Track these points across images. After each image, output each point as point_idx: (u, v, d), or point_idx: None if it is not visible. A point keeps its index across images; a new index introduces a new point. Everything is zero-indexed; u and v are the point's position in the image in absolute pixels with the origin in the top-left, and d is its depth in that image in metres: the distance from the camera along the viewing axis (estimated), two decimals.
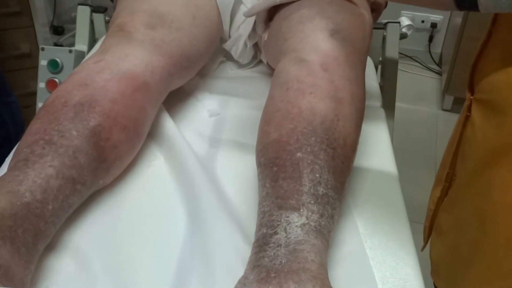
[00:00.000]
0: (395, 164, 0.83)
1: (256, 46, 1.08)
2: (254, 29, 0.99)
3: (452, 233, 0.78)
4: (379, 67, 1.28)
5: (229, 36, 1.03)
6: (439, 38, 2.83)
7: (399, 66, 2.68)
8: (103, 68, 0.75)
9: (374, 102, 1.02)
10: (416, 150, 2.21)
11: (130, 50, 0.79)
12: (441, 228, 0.81)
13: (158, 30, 0.83)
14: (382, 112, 0.98)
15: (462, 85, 0.80)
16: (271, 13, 0.92)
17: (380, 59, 1.27)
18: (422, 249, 0.90)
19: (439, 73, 2.77)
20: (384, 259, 0.66)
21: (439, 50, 2.86)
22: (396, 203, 0.76)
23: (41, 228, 0.62)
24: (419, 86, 2.69)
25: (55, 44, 2.18)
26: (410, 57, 2.84)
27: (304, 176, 0.63)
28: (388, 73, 1.23)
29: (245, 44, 1.03)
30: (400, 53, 2.72)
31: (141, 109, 0.76)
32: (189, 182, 0.76)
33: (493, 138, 0.66)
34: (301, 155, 0.65)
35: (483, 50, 0.72)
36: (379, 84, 1.21)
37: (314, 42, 0.77)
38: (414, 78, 2.75)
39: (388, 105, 1.18)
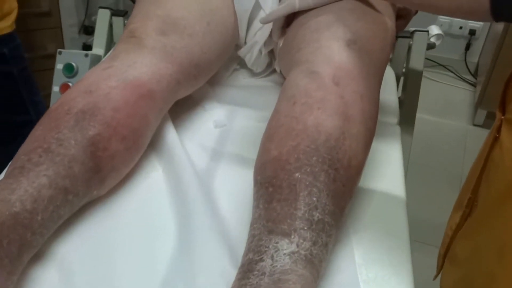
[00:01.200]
0: (404, 188, 0.78)
1: (271, 53, 1.04)
2: (270, 35, 0.95)
3: (468, 263, 0.71)
4: (402, 78, 1.22)
5: (245, 43, 0.99)
6: (477, 46, 2.71)
7: (430, 75, 2.65)
8: (110, 75, 0.73)
9: (390, 118, 0.96)
10: (440, 167, 2.10)
11: (139, 57, 0.77)
12: (456, 256, 0.75)
13: (169, 36, 0.81)
14: (397, 129, 0.93)
15: (498, 99, 0.72)
16: (289, 18, 0.88)
17: (404, 70, 1.20)
18: (434, 278, 0.83)
19: (474, 85, 2.65)
20: None
21: (475, 60, 2.75)
22: (400, 233, 0.70)
23: (27, 239, 0.60)
24: (450, 98, 2.57)
25: (84, 45, 2.19)
26: (444, 66, 2.73)
27: (300, 199, 0.59)
28: (410, 86, 1.16)
29: (260, 52, 0.99)
30: (432, 61, 2.70)
31: (143, 118, 0.74)
32: (183, 198, 0.73)
33: None
34: (299, 176, 0.60)
35: None
36: (400, 97, 1.15)
37: (328, 52, 0.72)
38: (445, 88, 2.64)
39: (407, 121, 1.12)
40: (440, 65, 2.73)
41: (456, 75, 2.72)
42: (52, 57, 2.01)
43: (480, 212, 0.70)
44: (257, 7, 0.93)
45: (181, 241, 0.68)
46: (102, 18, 1.21)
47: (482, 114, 2.34)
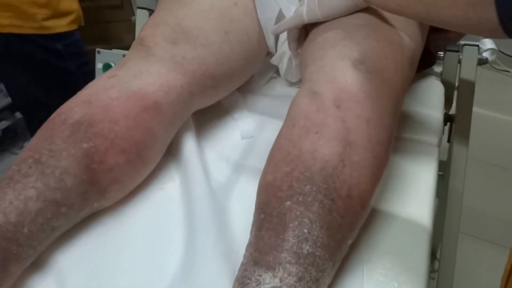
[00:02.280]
0: (432, 215, 0.70)
1: None
2: (290, 50, 0.88)
3: None
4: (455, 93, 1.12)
5: (276, 51, 0.94)
6: None
7: (506, 73, 2.47)
8: (112, 85, 0.70)
9: (430, 137, 0.87)
10: None
11: (146, 67, 0.73)
12: None
13: (180, 46, 0.77)
14: (435, 151, 0.84)
15: None
16: (308, 30, 0.81)
17: (456, 85, 1.11)
18: None
19: None
20: None
21: None
22: (419, 266, 0.63)
23: (13, 252, 0.59)
24: None
25: None
26: None
27: (288, 230, 0.54)
28: (463, 100, 1.07)
29: (291, 62, 0.93)
30: (508, 55, 2.50)
31: (148, 131, 0.70)
32: (193, 213, 0.70)
33: None
34: (290, 205, 0.55)
35: None
36: (450, 114, 1.06)
37: (331, 72, 0.65)
38: None
39: (461, 137, 1.03)
40: None
41: None
42: (128, 49, 2.06)
43: None
44: (281, 15, 0.87)
45: (184, 259, 0.65)
46: (141, 18, 1.19)
47: None
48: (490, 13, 0.50)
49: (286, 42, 0.88)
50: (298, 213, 0.55)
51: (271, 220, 0.56)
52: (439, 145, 0.87)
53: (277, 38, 0.90)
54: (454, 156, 1.06)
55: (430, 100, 1.00)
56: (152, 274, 0.64)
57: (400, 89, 0.70)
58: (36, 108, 1.54)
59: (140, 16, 1.16)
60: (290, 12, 0.85)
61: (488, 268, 1.50)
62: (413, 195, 0.73)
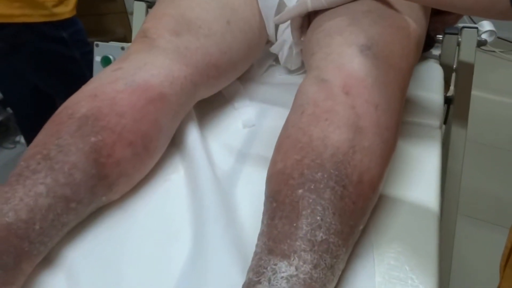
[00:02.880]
0: (439, 198, 0.69)
1: None
2: (292, 38, 0.88)
3: None
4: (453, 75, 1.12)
5: (276, 39, 0.92)
6: None
7: (501, 55, 2.47)
8: (117, 77, 0.69)
9: (432, 120, 0.86)
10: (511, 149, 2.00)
11: (150, 59, 0.72)
12: None
13: (183, 36, 0.75)
14: (438, 133, 0.83)
15: None
16: (311, 18, 0.80)
17: (455, 67, 1.10)
18: None
19: None
20: None
21: None
22: (429, 249, 0.62)
23: (24, 249, 0.58)
24: None
25: None
26: None
27: (302, 217, 0.53)
28: (462, 83, 1.06)
29: (291, 50, 0.92)
30: (504, 39, 2.51)
31: (154, 123, 0.69)
32: (200, 203, 0.68)
33: None
34: (302, 193, 0.54)
35: None
36: (449, 96, 1.05)
37: (339, 59, 0.64)
38: None
39: (459, 118, 1.02)
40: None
41: None
42: (121, 41, 2.04)
43: None
44: (282, 4, 0.86)
45: (193, 250, 0.64)
46: (138, 10, 1.18)
47: None
48: None
49: (287, 31, 0.87)
50: (310, 200, 0.54)
51: (283, 208, 0.55)
52: (441, 127, 0.87)
53: (277, 26, 0.89)
54: (453, 138, 1.05)
55: (430, 83, 0.99)
56: (163, 264, 0.63)
57: (407, 74, 0.69)
58: (26, 104, 1.54)
59: (138, 8, 1.13)
60: (291, 0, 0.84)
61: (486, 248, 1.50)
62: (419, 179, 0.72)
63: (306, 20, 0.80)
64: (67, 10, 1.35)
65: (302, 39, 0.81)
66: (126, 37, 2.04)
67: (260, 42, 0.90)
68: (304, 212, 0.53)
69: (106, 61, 1.11)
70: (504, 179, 1.83)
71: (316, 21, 0.75)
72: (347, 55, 0.64)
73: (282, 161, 0.59)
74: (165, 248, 0.65)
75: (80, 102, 0.66)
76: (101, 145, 0.63)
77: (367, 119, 0.59)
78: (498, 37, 2.48)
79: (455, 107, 1.05)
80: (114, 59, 1.11)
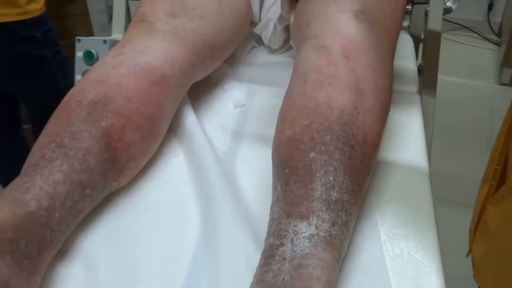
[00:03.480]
0: (427, 158, 0.74)
1: (287, 29, 0.99)
2: (282, 12, 0.90)
3: (501, 230, 0.67)
4: (420, 45, 1.16)
5: (260, 20, 0.95)
6: (500, 7, 2.61)
7: (455, 37, 2.56)
8: (120, 62, 0.70)
9: (410, 87, 0.91)
10: (470, 128, 2.05)
11: (149, 42, 0.74)
12: (488, 226, 0.70)
13: (179, 18, 0.77)
14: (417, 98, 0.88)
15: None
16: None
17: (422, 36, 1.14)
18: (468, 255, 0.79)
19: (498, 44, 2.56)
20: (405, 271, 0.58)
21: (499, 20, 2.65)
22: (425, 205, 0.66)
23: (47, 238, 0.58)
24: (475, 59, 2.51)
25: None
26: (468, 28, 2.64)
27: (316, 179, 0.56)
28: (430, 52, 1.10)
29: (275, 28, 0.95)
30: (455, 23, 2.61)
31: (157, 105, 0.71)
32: (206, 183, 0.70)
33: None
34: (314, 156, 0.57)
35: None
36: (419, 64, 1.09)
37: (336, 26, 0.68)
38: (470, 50, 2.57)
39: (429, 87, 1.07)
40: (464, 27, 2.64)
41: (480, 35, 2.63)
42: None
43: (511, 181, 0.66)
44: None
45: (205, 229, 0.65)
46: (119, 3, 1.18)
47: (508, 73, 2.28)
48: None
49: (272, 9, 0.90)
50: (322, 162, 0.56)
51: (297, 172, 0.57)
52: (419, 93, 0.91)
53: (261, 6, 0.91)
54: (423, 106, 1.10)
55: (402, 53, 1.03)
56: (177, 244, 0.64)
57: (395, 36, 0.73)
58: None
59: (118, 1, 1.14)
60: None
61: (452, 228, 1.55)
62: (407, 141, 0.76)
63: None
64: (38, 7, 1.34)
65: (290, 14, 0.83)
66: None
67: (246, 22, 0.92)
68: (317, 174, 0.56)
69: (88, 56, 1.10)
70: (466, 159, 1.86)
71: None
72: (343, 22, 0.68)
73: (290, 129, 0.61)
74: (176, 228, 0.67)
75: (86, 89, 0.67)
76: (112, 129, 0.65)
77: (366, 81, 0.63)
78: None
79: (424, 76, 1.10)
80: (97, 53, 1.11)
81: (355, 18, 0.68)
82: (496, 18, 2.65)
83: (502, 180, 0.70)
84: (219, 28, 0.82)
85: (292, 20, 0.87)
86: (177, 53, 0.75)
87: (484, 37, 2.62)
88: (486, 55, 2.53)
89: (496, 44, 2.58)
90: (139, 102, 0.68)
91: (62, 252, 0.63)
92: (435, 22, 1.08)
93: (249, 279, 0.55)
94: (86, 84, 0.68)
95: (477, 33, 2.64)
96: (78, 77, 1.12)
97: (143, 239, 0.65)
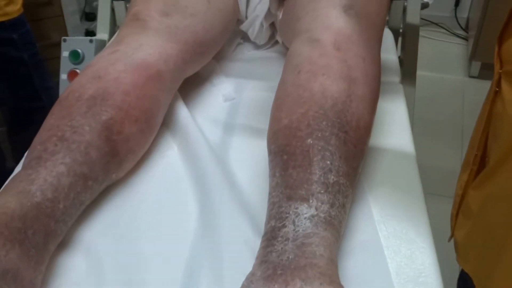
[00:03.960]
0: (413, 143, 0.77)
1: (272, 26, 1.02)
2: (270, 9, 0.93)
3: (481, 213, 0.71)
4: (400, 39, 1.20)
5: (246, 17, 0.97)
6: (466, 2, 2.69)
7: (424, 33, 2.63)
8: (117, 59, 0.72)
9: (392, 77, 0.95)
10: (442, 120, 2.11)
11: (144, 39, 0.75)
12: (470, 209, 0.74)
13: (172, 16, 0.79)
14: (400, 88, 0.91)
15: (490, 50, 0.74)
16: None
17: (401, 30, 1.18)
18: (450, 240, 0.82)
19: (466, 39, 2.63)
20: (399, 248, 0.61)
21: (465, 15, 2.72)
22: (413, 186, 0.70)
23: (51, 228, 0.59)
24: (444, 53, 2.57)
25: (87, 31, 2.16)
26: (436, 24, 2.70)
27: (314, 164, 0.58)
28: (409, 45, 1.15)
29: (262, 25, 0.97)
30: (424, 19, 2.68)
31: (154, 99, 0.72)
32: (202, 173, 0.72)
33: None
34: (311, 142, 0.59)
35: (510, 18, 0.65)
36: (399, 57, 1.13)
37: (327, 20, 0.71)
38: (439, 45, 2.63)
39: (409, 78, 1.10)
40: (433, 23, 2.70)
41: (448, 31, 2.70)
42: (57, 46, 1.99)
43: (491, 165, 0.69)
44: None
45: (203, 216, 0.67)
46: (104, 3, 1.19)
47: (476, 65, 2.34)
48: None
49: (258, 6, 0.92)
50: (319, 147, 0.59)
51: (295, 158, 0.59)
52: (401, 83, 0.94)
53: (247, 4, 0.93)
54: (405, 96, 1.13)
55: (384, 46, 1.05)
56: (177, 233, 0.65)
57: (381, 29, 0.77)
58: None
59: (103, 1, 1.15)
60: None
61: (432, 219, 1.58)
62: (393, 128, 0.79)
63: None
64: (16, 8, 1.34)
65: (278, 11, 0.86)
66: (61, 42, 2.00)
67: (234, 20, 0.95)
68: (315, 159, 0.58)
69: (75, 55, 1.11)
70: (439, 150, 1.90)
71: None
72: (333, 16, 0.71)
73: (286, 117, 0.63)
74: (175, 216, 0.68)
75: (85, 84, 0.68)
76: (112, 122, 0.66)
77: (357, 71, 0.66)
78: None
79: (404, 67, 1.13)
80: (83, 53, 1.12)
81: (344, 12, 0.71)
82: (463, 13, 2.72)
83: (482, 165, 0.74)
84: (209, 26, 0.84)
85: (280, 16, 0.90)
86: (170, 50, 0.77)
87: (452, 32, 2.69)
88: (455, 49, 2.60)
89: (463, 38, 2.64)
90: (137, 97, 0.69)
91: (63, 242, 0.63)
92: (413, 17, 1.12)
93: (249, 261, 0.57)
94: (85, 80, 0.69)
95: (445, 28, 2.70)
96: (63, 76, 1.13)
97: (143, 228, 0.66)
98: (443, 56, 2.53)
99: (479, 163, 0.74)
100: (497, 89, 0.67)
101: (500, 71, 0.67)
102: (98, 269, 0.61)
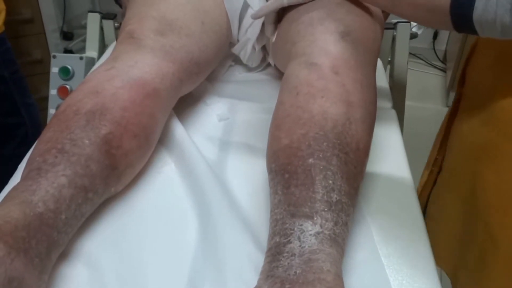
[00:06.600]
0: (409, 167, 0.80)
1: (264, 49, 1.05)
2: (262, 32, 0.96)
3: (444, 221, 0.78)
4: (388, 67, 1.24)
5: (238, 40, 0.99)
6: (444, 35, 2.79)
7: None
8: (113, 76, 0.72)
9: (385, 103, 0.99)
10: (421, 148, 2.15)
11: (140, 57, 0.76)
12: (432, 216, 0.82)
13: (167, 36, 0.80)
14: (393, 113, 0.95)
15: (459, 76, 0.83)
16: (280, 15, 0.88)
17: (389, 59, 1.23)
18: None
19: (444, 70, 2.73)
20: (400, 267, 0.63)
21: (443, 47, 2.82)
22: (411, 208, 0.72)
23: (54, 238, 0.59)
24: (423, 84, 2.65)
25: (65, 50, 2.16)
26: (414, 55, 2.79)
27: (316, 182, 0.60)
28: (398, 74, 1.19)
29: (254, 48, 1.00)
30: None
31: (151, 116, 0.73)
32: (200, 188, 0.73)
33: (478, 133, 0.68)
34: (313, 161, 0.61)
35: (475, 47, 0.73)
36: (389, 84, 1.17)
37: (324, 45, 0.73)
38: (419, 75, 2.71)
39: (398, 106, 1.14)
40: (411, 54, 2.78)
41: (427, 62, 2.79)
42: (38, 63, 2.00)
43: (446, 175, 0.78)
44: (245, 6, 0.94)
45: (204, 230, 0.68)
46: (93, 21, 1.20)
47: (454, 96, 2.40)
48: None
49: (250, 29, 0.95)
50: (321, 167, 0.61)
51: (297, 177, 0.61)
52: (393, 108, 0.98)
53: (239, 27, 0.96)
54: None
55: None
56: (177, 247, 0.66)
57: (376, 55, 0.80)
58: None
59: (92, 20, 1.16)
60: (253, 1, 0.93)
61: None
62: (389, 154, 0.82)
63: (276, 17, 0.88)
64: None
65: (272, 35, 0.89)
66: (43, 59, 2.02)
67: (227, 41, 0.97)
68: (317, 178, 0.60)
69: (65, 72, 1.12)
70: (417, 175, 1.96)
71: (292, 15, 0.83)
72: (331, 41, 0.73)
73: (286, 137, 0.65)
74: (175, 230, 0.69)
75: (83, 99, 0.69)
76: (111, 137, 0.67)
77: (355, 95, 0.68)
78: None
79: (393, 93, 1.17)
80: (73, 69, 1.12)
81: (341, 38, 0.74)
82: (441, 46, 2.82)
83: (441, 167, 0.83)
84: (204, 46, 0.86)
85: (273, 40, 0.92)
86: (166, 68, 0.78)
87: (430, 64, 2.78)
88: (433, 80, 2.69)
89: (441, 70, 2.74)
90: (135, 113, 0.70)
91: (64, 253, 0.64)
92: (402, 46, 1.17)
93: (252, 275, 0.58)
94: (82, 95, 0.70)
95: (423, 60, 2.79)
96: (53, 91, 1.13)
97: (143, 240, 0.67)
98: (422, 86, 2.62)
99: (439, 166, 0.82)
100: (457, 104, 0.77)
101: (461, 91, 0.76)
102: (100, 279, 0.61)
